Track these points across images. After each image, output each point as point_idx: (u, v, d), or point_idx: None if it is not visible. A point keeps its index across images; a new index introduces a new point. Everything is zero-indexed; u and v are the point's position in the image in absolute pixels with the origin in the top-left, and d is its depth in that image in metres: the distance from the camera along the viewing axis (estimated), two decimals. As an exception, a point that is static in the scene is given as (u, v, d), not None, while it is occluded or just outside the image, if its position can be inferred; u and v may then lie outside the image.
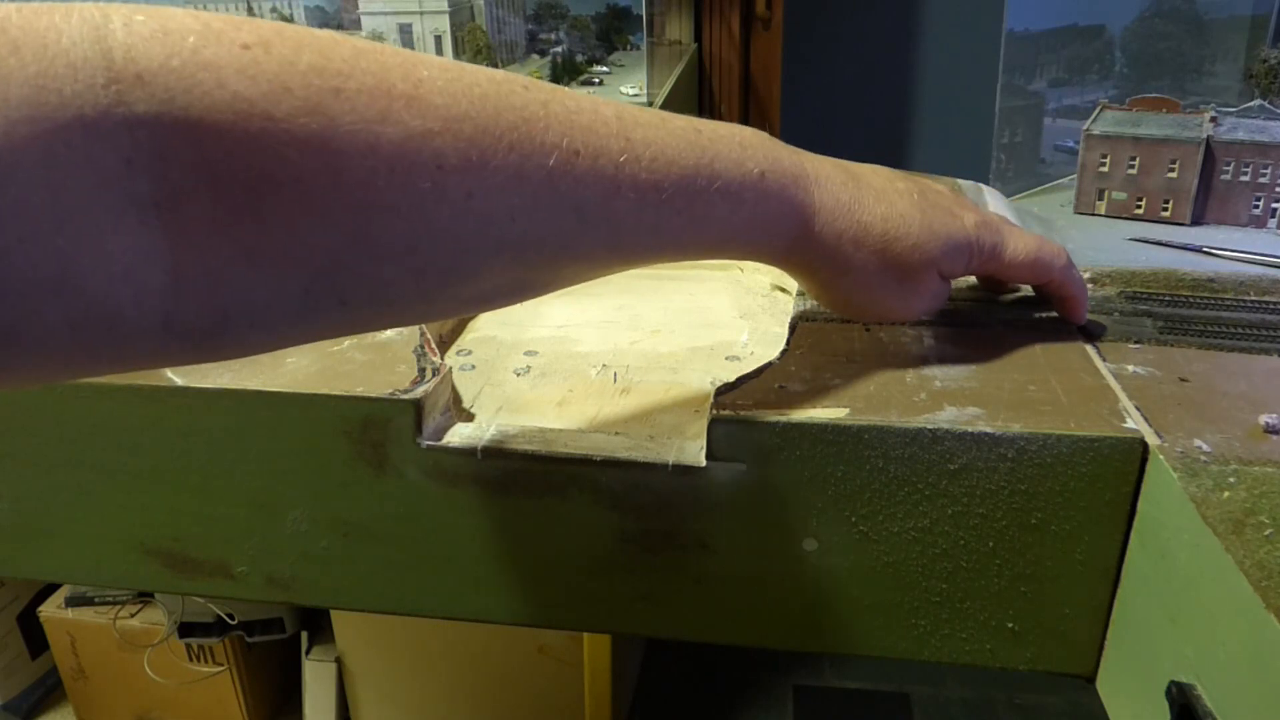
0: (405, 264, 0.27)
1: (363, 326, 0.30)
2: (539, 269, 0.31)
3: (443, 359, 0.41)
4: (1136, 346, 0.42)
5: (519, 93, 0.29)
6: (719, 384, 0.39)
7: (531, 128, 0.29)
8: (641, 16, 1.18)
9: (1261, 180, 0.58)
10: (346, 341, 0.42)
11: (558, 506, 0.38)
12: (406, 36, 1.11)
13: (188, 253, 0.24)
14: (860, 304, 0.39)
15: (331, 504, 0.40)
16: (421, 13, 1.09)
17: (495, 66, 1.14)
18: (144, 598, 1.28)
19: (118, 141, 0.22)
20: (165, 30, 0.23)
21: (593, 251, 0.32)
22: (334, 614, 1.23)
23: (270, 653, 1.32)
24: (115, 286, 0.23)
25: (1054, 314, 0.44)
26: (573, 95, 0.31)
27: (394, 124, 0.26)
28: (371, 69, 0.26)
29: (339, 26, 1.16)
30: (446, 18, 1.09)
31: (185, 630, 1.23)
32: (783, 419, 0.36)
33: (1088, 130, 0.62)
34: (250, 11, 1.18)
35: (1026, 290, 0.47)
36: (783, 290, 0.54)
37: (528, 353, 0.47)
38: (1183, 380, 0.39)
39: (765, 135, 0.36)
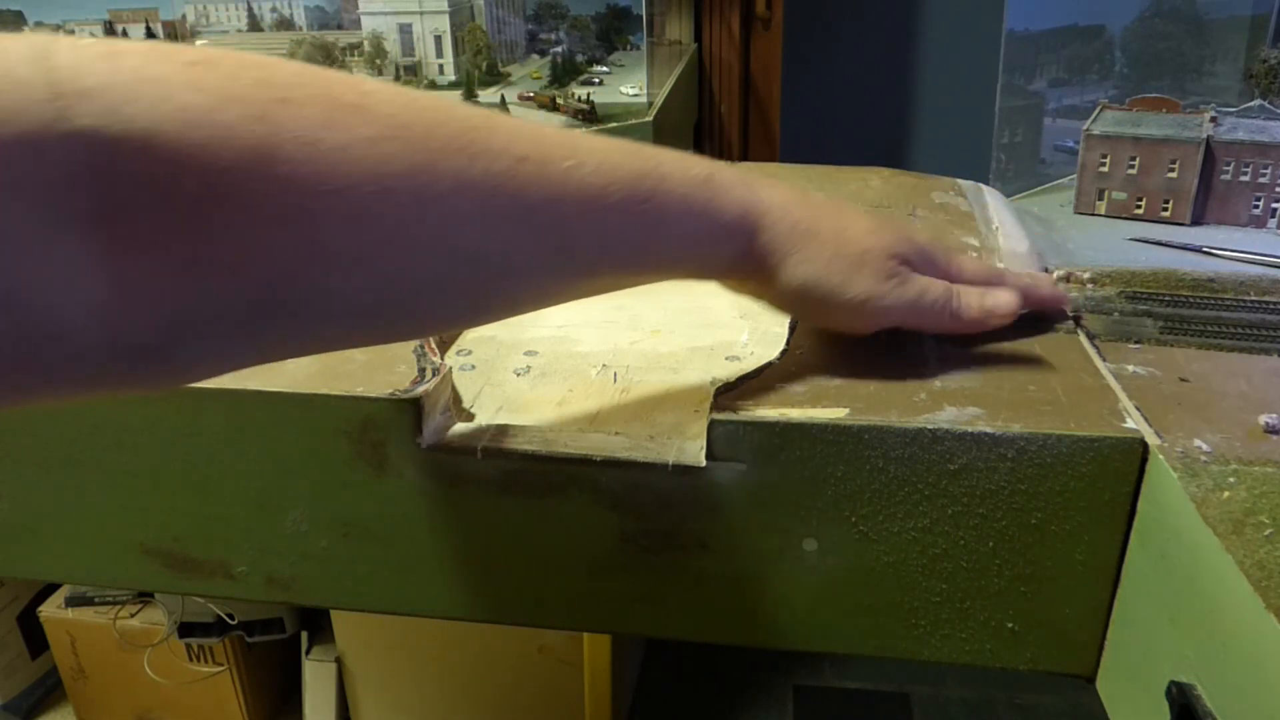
0: (354, 273, 0.27)
1: (317, 343, 0.30)
2: (496, 281, 0.31)
3: (443, 359, 0.41)
4: (1136, 346, 0.42)
5: (463, 107, 0.30)
6: (719, 384, 0.39)
7: (477, 134, 0.29)
8: (641, 16, 1.18)
9: (1261, 180, 0.58)
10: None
11: (558, 506, 0.38)
12: (406, 36, 1.11)
13: (133, 267, 0.24)
14: (820, 298, 0.37)
15: (331, 504, 0.40)
16: (421, 13, 1.09)
17: (495, 66, 1.14)
18: (144, 598, 1.28)
19: (61, 156, 0.22)
20: (112, 52, 0.24)
21: (548, 262, 0.32)
22: (334, 614, 1.23)
23: (270, 653, 1.32)
24: (59, 302, 0.23)
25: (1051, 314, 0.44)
26: (517, 117, 0.32)
27: (340, 130, 0.26)
28: (317, 82, 0.27)
29: (339, 27, 1.16)
30: (446, 18, 1.09)
31: (185, 630, 1.23)
32: (783, 419, 0.36)
33: (1088, 130, 0.62)
34: (250, 12, 1.18)
35: None
36: (783, 290, 0.54)
37: (528, 353, 0.47)
38: (1183, 380, 0.39)
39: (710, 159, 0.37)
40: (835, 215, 0.38)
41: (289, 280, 0.26)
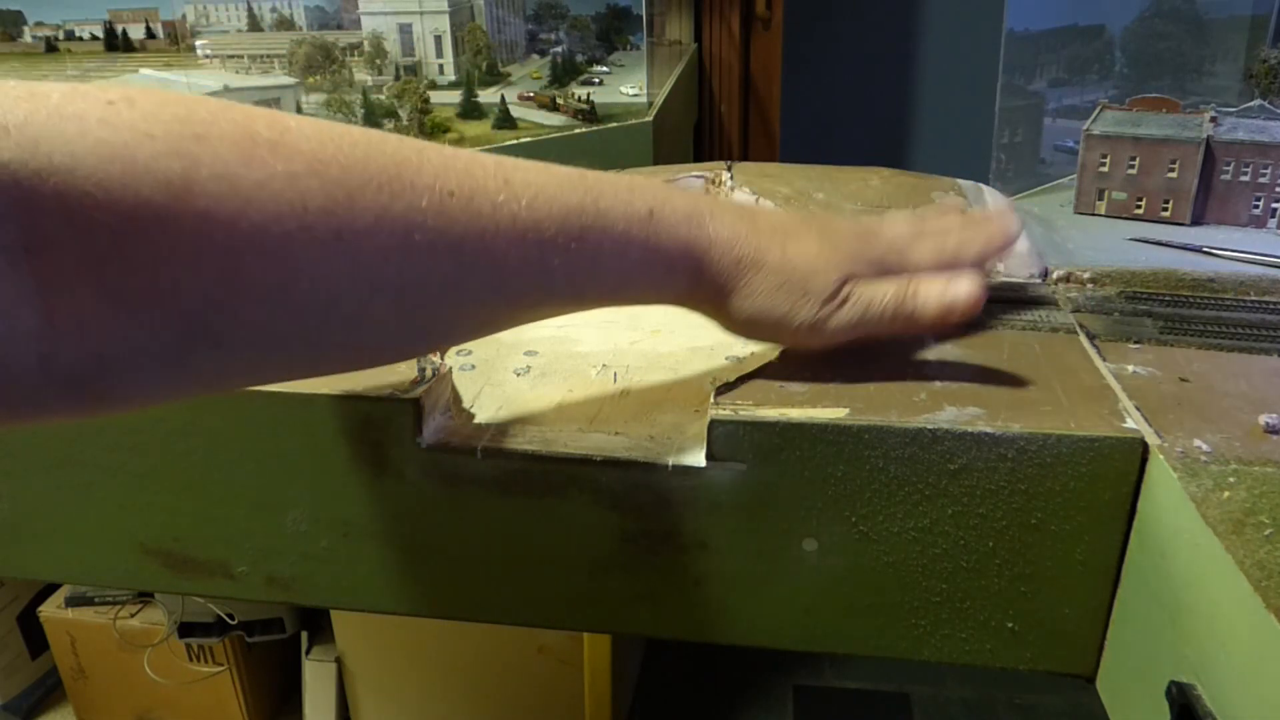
0: (278, 303, 0.28)
1: (252, 374, 0.30)
2: (427, 313, 0.31)
3: (443, 359, 0.41)
4: (1136, 346, 0.42)
5: (393, 141, 0.30)
6: (719, 384, 0.39)
7: (403, 169, 0.29)
8: (641, 16, 1.18)
9: (1261, 180, 0.58)
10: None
11: (558, 506, 0.38)
12: (406, 36, 1.11)
13: (58, 297, 0.24)
14: (769, 326, 0.38)
15: (331, 504, 0.40)
16: (421, 13, 1.09)
17: (495, 66, 1.14)
18: (144, 598, 1.28)
19: None
20: (33, 93, 0.25)
21: (480, 295, 0.32)
22: (334, 614, 1.23)
23: (270, 653, 1.32)
24: None
25: (1051, 314, 0.44)
26: (452, 148, 0.32)
27: (257, 167, 0.27)
28: (236, 119, 0.27)
29: (339, 27, 1.16)
30: (446, 18, 1.09)
31: (185, 630, 1.23)
32: (783, 419, 0.36)
33: (1088, 130, 0.62)
34: (250, 12, 1.18)
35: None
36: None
37: (528, 353, 0.47)
38: (1183, 380, 0.39)
39: (663, 183, 0.36)
40: (783, 243, 0.37)
41: (212, 311, 0.27)
